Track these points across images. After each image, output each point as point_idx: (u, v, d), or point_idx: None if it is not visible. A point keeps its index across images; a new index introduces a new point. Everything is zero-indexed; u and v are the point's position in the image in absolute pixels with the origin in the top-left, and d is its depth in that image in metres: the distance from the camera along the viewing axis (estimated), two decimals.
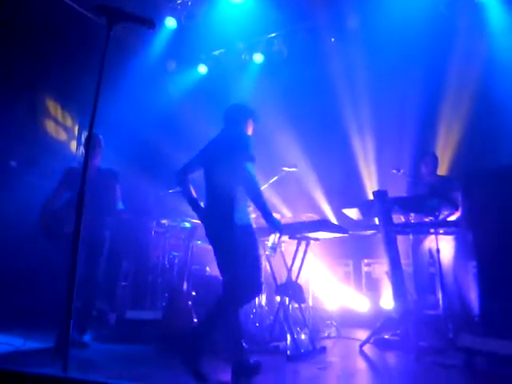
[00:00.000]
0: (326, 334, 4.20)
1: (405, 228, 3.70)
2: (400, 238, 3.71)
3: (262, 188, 4.06)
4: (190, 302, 3.72)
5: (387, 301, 4.76)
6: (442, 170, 4.90)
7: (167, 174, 4.19)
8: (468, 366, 2.74)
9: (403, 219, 4.05)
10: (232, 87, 6.61)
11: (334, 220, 5.36)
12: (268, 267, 3.87)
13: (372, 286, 5.23)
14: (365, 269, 5.36)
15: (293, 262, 3.54)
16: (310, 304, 4.32)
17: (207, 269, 4.54)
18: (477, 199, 4.36)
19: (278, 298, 3.97)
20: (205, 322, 2.55)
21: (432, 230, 3.55)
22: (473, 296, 3.86)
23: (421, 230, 3.72)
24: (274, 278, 3.73)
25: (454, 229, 3.57)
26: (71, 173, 3.67)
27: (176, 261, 4.30)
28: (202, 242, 4.88)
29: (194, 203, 2.83)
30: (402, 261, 3.60)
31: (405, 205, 3.66)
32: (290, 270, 3.56)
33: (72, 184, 3.55)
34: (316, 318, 4.41)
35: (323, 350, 3.42)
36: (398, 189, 4.36)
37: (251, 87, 6.58)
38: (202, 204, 2.84)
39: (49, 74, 5.39)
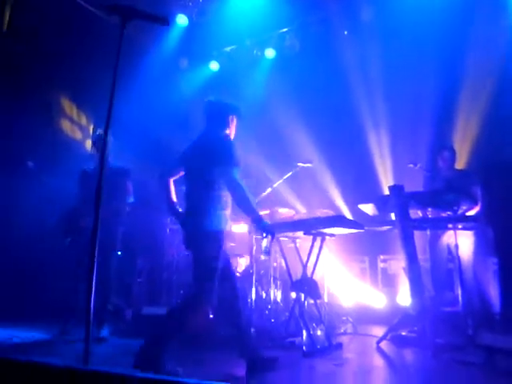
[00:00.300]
0: (342, 331, 4.17)
1: (422, 223, 3.63)
2: (417, 234, 3.65)
3: (276, 185, 4.09)
4: None
5: (404, 297, 4.70)
6: (460, 163, 4.79)
7: None
8: (488, 363, 2.69)
9: (420, 214, 3.98)
10: (244, 83, 6.59)
11: (349, 216, 5.30)
12: (283, 263, 3.87)
13: (388, 283, 5.17)
14: (381, 265, 5.30)
15: (308, 258, 3.52)
16: (326, 300, 4.30)
17: None
18: (497, 193, 4.28)
19: (293, 294, 3.96)
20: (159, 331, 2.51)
21: (450, 226, 3.47)
22: (493, 293, 3.79)
23: (439, 226, 3.65)
24: (290, 275, 3.72)
25: (473, 224, 3.49)
26: (85, 175, 3.92)
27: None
28: None
29: (172, 208, 2.81)
30: (419, 256, 3.54)
31: (422, 200, 3.59)
32: (305, 266, 3.53)
33: (85, 183, 3.81)
34: (332, 314, 4.38)
35: (339, 346, 3.39)
36: (415, 184, 4.28)
37: (263, 83, 6.55)
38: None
39: (63, 73, 5.46)
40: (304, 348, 3.19)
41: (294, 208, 5.26)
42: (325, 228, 3.35)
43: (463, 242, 3.69)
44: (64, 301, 3.94)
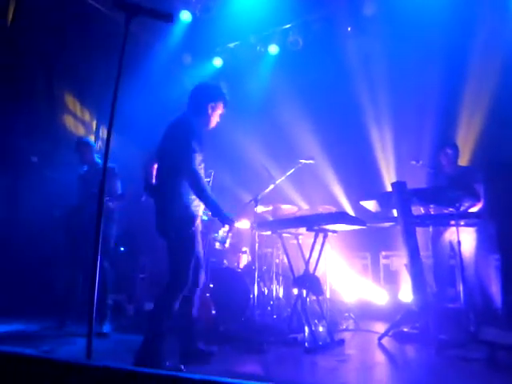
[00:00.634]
0: (344, 327, 4.19)
1: (425, 220, 3.63)
2: (419, 230, 3.65)
3: (278, 181, 4.09)
4: (207, 294, 3.75)
5: (406, 293, 4.71)
6: (463, 160, 4.78)
7: None
8: (491, 359, 2.69)
9: (423, 211, 3.98)
10: (247, 79, 6.58)
11: (351, 212, 5.30)
12: (286, 259, 3.88)
13: (390, 279, 5.17)
14: (383, 261, 5.30)
15: (310, 255, 3.53)
16: (328, 296, 4.31)
17: (224, 261, 4.57)
18: (499, 190, 4.27)
19: (295, 291, 3.98)
20: (151, 323, 2.52)
21: (453, 222, 3.47)
22: (495, 289, 3.79)
23: (441, 222, 3.65)
24: (292, 271, 3.73)
25: (475, 220, 3.49)
26: (79, 178, 4.19)
27: None
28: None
29: (146, 186, 2.79)
30: (421, 253, 3.54)
31: (424, 196, 3.59)
32: (307, 263, 3.55)
33: (79, 185, 4.16)
34: (334, 310, 4.40)
35: (341, 342, 3.41)
36: (417, 180, 4.28)
37: (267, 79, 6.54)
38: None
39: (67, 69, 5.47)
40: (306, 344, 3.21)
41: (296, 204, 5.27)
42: (327, 224, 3.36)
43: (465, 239, 3.69)
44: (64, 295, 4.00)
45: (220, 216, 2.60)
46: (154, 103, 5.88)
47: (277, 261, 4.44)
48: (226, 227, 2.72)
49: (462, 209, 3.52)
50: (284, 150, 5.88)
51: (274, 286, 4.26)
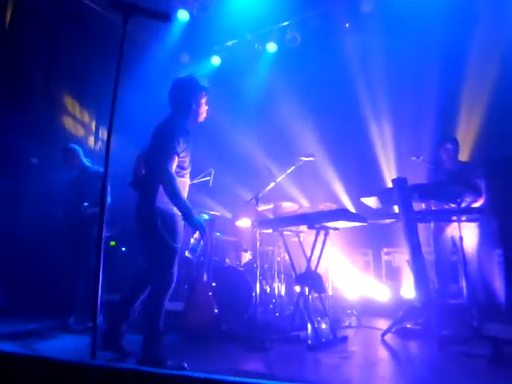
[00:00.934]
0: (347, 324, 4.19)
1: (426, 216, 3.62)
2: (420, 226, 3.64)
3: (279, 179, 4.09)
4: (210, 293, 3.75)
5: (408, 290, 4.71)
6: (464, 156, 4.76)
7: None
8: (494, 355, 2.69)
9: (424, 207, 3.98)
10: (246, 77, 6.57)
11: (352, 209, 5.29)
12: (287, 257, 3.88)
13: (392, 275, 5.17)
14: (384, 258, 5.30)
15: (312, 252, 3.52)
16: (330, 294, 4.31)
17: (226, 260, 4.57)
18: (501, 185, 4.26)
19: (297, 288, 3.97)
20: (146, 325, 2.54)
21: (454, 218, 3.47)
22: (498, 284, 3.78)
23: (443, 218, 3.64)
24: (294, 268, 3.73)
25: (477, 216, 3.48)
26: (70, 182, 4.36)
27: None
28: (221, 233, 4.92)
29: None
30: (423, 249, 3.54)
31: (425, 192, 3.58)
32: (309, 260, 3.54)
33: (70, 189, 4.33)
34: (336, 307, 4.40)
35: (344, 339, 3.40)
36: (418, 176, 4.27)
37: (265, 77, 6.53)
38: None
39: (65, 70, 5.45)
40: (309, 341, 3.20)
41: (297, 202, 5.26)
42: (328, 222, 3.35)
43: (467, 234, 3.68)
44: (65, 295, 4.03)
45: (190, 221, 2.51)
46: (152, 103, 5.87)
47: (278, 259, 4.44)
48: (197, 234, 2.67)
49: (463, 204, 3.51)
50: (284, 147, 5.87)
51: (276, 284, 4.26)
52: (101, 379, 1.28)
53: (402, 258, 4.98)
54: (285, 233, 3.87)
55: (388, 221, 3.76)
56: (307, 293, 3.51)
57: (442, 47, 5.25)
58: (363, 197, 3.84)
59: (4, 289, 4.42)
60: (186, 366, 2.46)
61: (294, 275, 3.75)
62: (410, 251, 3.44)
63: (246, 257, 4.74)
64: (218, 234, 4.35)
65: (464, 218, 3.48)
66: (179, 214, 2.56)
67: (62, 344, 3.30)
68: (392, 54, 5.55)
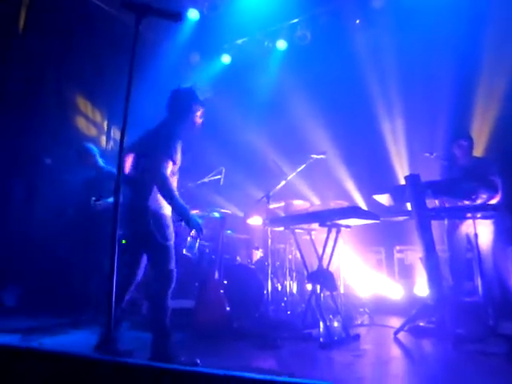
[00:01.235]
0: (359, 322, 4.16)
1: (440, 213, 3.57)
2: (434, 224, 3.59)
3: (290, 177, 4.08)
4: (221, 291, 3.76)
5: (421, 288, 4.66)
6: (478, 152, 4.68)
7: (194, 165, 4.26)
8: (510, 353, 2.64)
9: (437, 203, 3.92)
10: (256, 75, 6.56)
11: (364, 206, 5.25)
12: (299, 255, 3.87)
13: (405, 273, 5.12)
14: (397, 256, 5.25)
15: (324, 250, 3.51)
16: (342, 291, 4.28)
17: (238, 258, 4.58)
18: None
19: (309, 286, 3.96)
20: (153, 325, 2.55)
21: (469, 215, 3.41)
22: None
23: (457, 215, 3.58)
24: (305, 266, 3.72)
25: (492, 213, 3.42)
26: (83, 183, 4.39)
27: (207, 250, 4.34)
28: (232, 231, 4.93)
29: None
30: (437, 247, 3.49)
31: (439, 189, 3.53)
32: (320, 258, 3.53)
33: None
34: (348, 305, 4.37)
35: (357, 337, 3.39)
36: (432, 173, 4.21)
37: (276, 75, 6.51)
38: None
39: (78, 71, 5.52)
40: (321, 339, 3.19)
41: (308, 200, 5.24)
42: (340, 219, 3.34)
43: (482, 231, 3.62)
44: (78, 292, 4.08)
45: (187, 220, 2.56)
46: (162, 102, 5.90)
47: (290, 256, 4.43)
48: (193, 232, 2.69)
49: (479, 201, 3.45)
50: (295, 145, 5.85)
51: (288, 282, 4.25)
52: (111, 374, 1.28)
53: (414, 255, 4.93)
54: (296, 231, 3.86)
55: (401, 218, 3.72)
56: (319, 291, 3.50)
57: (455, 41, 5.16)
58: (375, 194, 3.80)
59: (17, 286, 4.51)
60: (198, 362, 2.48)
61: (305, 273, 3.74)
62: (424, 249, 3.40)
63: (258, 254, 4.74)
64: (229, 231, 4.36)
65: (479, 215, 3.42)
66: (169, 214, 2.64)
67: (73, 340, 3.35)
68: (403, 50, 5.48)
